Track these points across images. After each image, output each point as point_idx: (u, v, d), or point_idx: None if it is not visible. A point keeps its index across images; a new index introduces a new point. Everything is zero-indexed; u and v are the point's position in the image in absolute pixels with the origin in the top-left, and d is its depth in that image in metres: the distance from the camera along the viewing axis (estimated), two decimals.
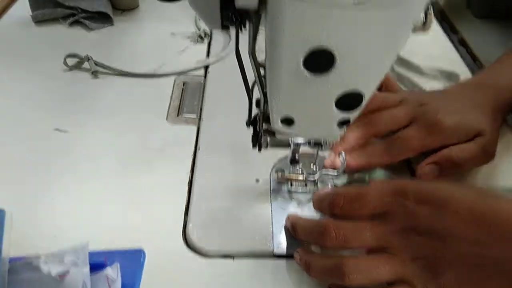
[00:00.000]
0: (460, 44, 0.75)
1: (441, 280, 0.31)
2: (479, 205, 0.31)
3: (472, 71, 0.64)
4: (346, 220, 0.35)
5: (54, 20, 0.67)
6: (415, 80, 0.57)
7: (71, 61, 0.57)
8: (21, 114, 0.51)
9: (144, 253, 0.36)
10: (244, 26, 0.27)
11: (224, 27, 0.28)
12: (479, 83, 0.48)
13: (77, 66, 0.58)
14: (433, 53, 0.65)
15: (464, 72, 0.60)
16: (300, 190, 0.43)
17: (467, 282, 0.31)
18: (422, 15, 0.25)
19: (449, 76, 0.59)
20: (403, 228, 0.33)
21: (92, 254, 0.32)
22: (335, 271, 0.32)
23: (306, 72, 0.28)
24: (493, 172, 0.46)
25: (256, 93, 0.34)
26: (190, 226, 0.39)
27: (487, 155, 0.43)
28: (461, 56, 0.67)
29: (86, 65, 0.57)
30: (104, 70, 0.57)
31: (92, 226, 0.39)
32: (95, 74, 0.57)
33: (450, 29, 0.78)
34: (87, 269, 0.31)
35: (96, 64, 0.57)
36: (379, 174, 0.44)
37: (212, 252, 0.38)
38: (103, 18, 0.68)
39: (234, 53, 0.28)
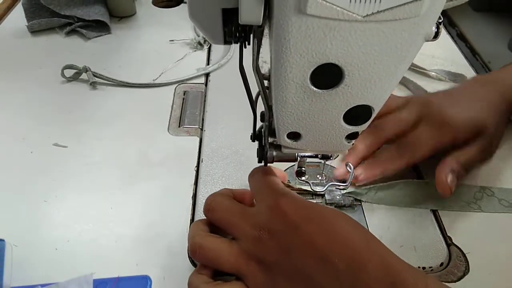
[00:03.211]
0: (459, 38, 0.74)
1: None
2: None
3: (474, 67, 0.63)
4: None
5: (50, 29, 0.66)
6: (419, 83, 0.56)
7: (68, 73, 0.56)
8: (18, 129, 0.49)
9: (150, 280, 0.34)
10: (248, 43, 0.26)
11: (227, 43, 0.27)
12: (486, 80, 0.47)
13: (75, 77, 0.57)
14: (435, 53, 0.64)
15: (467, 69, 0.59)
16: None
17: None
18: (434, 27, 0.23)
19: (455, 78, 0.58)
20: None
21: (96, 283, 0.31)
22: None
23: (313, 87, 0.27)
24: (496, 172, 0.45)
25: (260, 106, 0.33)
26: None
27: (489, 153, 0.43)
28: (462, 52, 0.66)
29: (84, 76, 0.56)
30: (103, 81, 0.56)
31: (95, 250, 0.38)
32: (93, 85, 0.56)
33: (448, 23, 0.77)
34: None
35: (94, 75, 0.56)
36: None
37: None
38: (100, 27, 0.66)
39: (234, 57, 0.26)
